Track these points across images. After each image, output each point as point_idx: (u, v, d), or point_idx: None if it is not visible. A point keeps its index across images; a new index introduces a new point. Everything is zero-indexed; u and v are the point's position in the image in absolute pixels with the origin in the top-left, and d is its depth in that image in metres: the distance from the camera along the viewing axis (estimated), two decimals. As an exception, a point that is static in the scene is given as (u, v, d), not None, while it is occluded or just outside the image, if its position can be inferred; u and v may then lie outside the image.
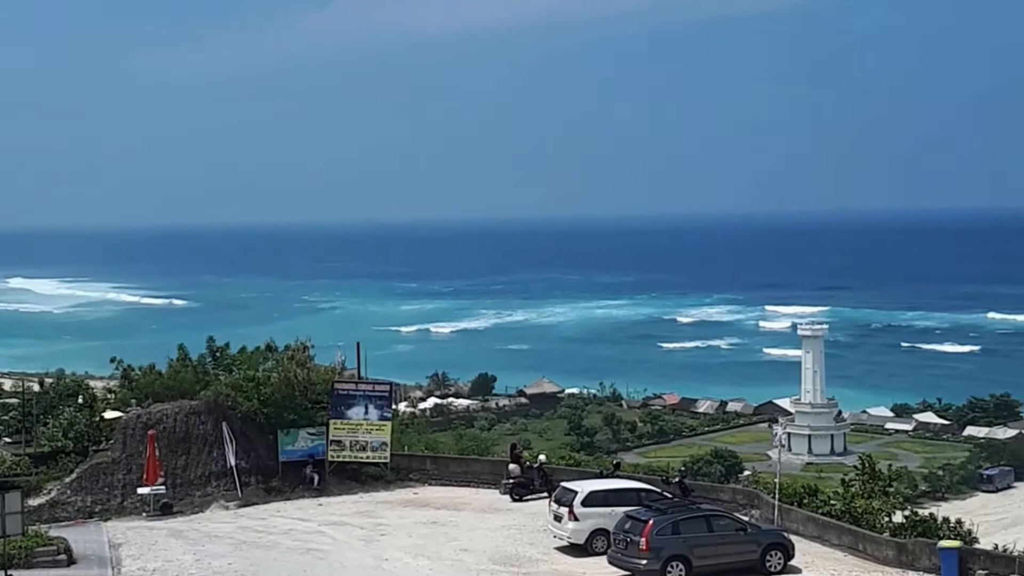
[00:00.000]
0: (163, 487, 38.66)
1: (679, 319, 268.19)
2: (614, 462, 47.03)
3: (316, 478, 41.73)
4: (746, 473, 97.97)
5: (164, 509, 38.49)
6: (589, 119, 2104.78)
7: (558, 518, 32.87)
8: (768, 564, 29.92)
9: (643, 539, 28.98)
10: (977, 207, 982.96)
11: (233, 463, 40.41)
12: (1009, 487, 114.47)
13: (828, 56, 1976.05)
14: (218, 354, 45.09)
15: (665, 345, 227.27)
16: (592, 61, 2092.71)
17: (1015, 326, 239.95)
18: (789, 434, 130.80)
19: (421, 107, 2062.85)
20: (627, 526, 29.80)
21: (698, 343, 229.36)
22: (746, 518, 34.75)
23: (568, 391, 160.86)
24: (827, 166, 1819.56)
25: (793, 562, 30.84)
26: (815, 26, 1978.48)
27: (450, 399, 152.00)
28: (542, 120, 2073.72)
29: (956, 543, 30.73)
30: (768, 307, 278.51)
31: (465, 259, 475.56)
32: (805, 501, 36.46)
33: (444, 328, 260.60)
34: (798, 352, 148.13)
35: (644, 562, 29.00)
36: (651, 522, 29.28)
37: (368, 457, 42.80)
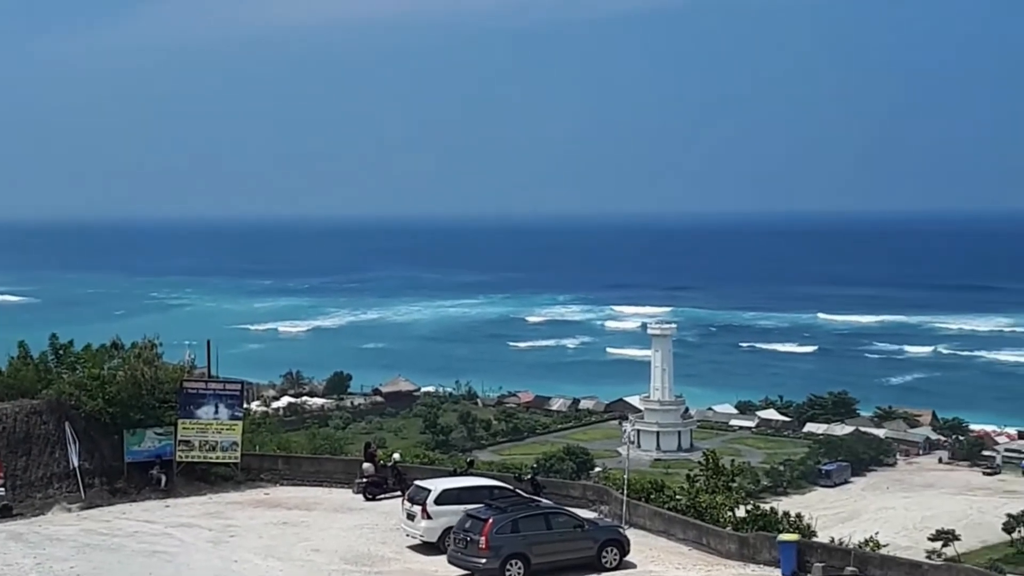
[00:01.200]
0: (2, 489, 37.29)
1: (532, 318, 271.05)
2: (467, 460, 47.32)
3: (163, 479, 40.82)
4: (597, 469, 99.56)
5: (3, 512, 37.11)
6: (449, 117, 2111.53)
7: (411, 516, 32.93)
8: (604, 560, 30.49)
9: (483, 538, 29.16)
10: (827, 210, 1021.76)
11: (76, 464, 39.22)
12: (846, 482, 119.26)
13: (693, 56, 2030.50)
14: (61, 352, 43.55)
15: (519, 344, 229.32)
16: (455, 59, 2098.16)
17: (849, 326, 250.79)
18: (639, 431, 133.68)
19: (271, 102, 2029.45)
20: (467, 525, 29.94)
21: (550, 342, 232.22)
22: (594, 514, 35.44)
23: (424, 389, 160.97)
24: (683, 168, 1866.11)
25: (640, 556, 31.59)
26: (663, 29, 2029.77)
27: (304, 398, 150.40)
28: (387, 117, 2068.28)
29: (795, 536, 31.86)
30: (617, 307, 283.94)
31: (320, 256, 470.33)
32: (652, 496, 37.34)
33: (298, 326, 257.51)
34: (647, 351, 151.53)
35: (483, 561, 29.19)
36: (491, 521, 29.48)
37: (218, 457, 42.08)
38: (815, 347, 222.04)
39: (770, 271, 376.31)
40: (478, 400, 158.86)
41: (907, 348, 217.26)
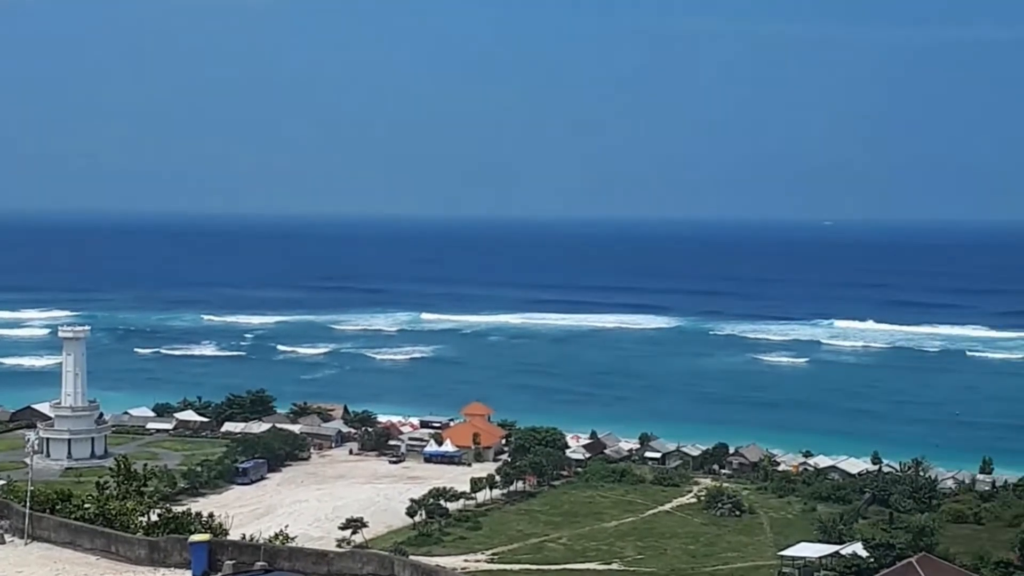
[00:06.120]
0: None
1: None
2: None
3: None
4: (1, 483, 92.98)
5: None
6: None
7: None
8: None
9: None
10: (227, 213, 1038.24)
11: None
12: (263, 478, 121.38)
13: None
14: None
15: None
16: None
17: (256, 327, 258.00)
18: (47, 439, 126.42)
19: None
20: None
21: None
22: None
23: None
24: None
25: (44, 571, 30.30)
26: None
27: None
28: None
29: (206, 536, 32.26)
30: (18, 311, 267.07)
31: None
32: (59, 507, 35.94)
33: None
34: (55, 358, 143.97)
35: None
36: None
37: None
38: (232, 348, 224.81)
39: (158, 273, 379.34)
40: None
41: (316, 347, 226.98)
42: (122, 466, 38.72)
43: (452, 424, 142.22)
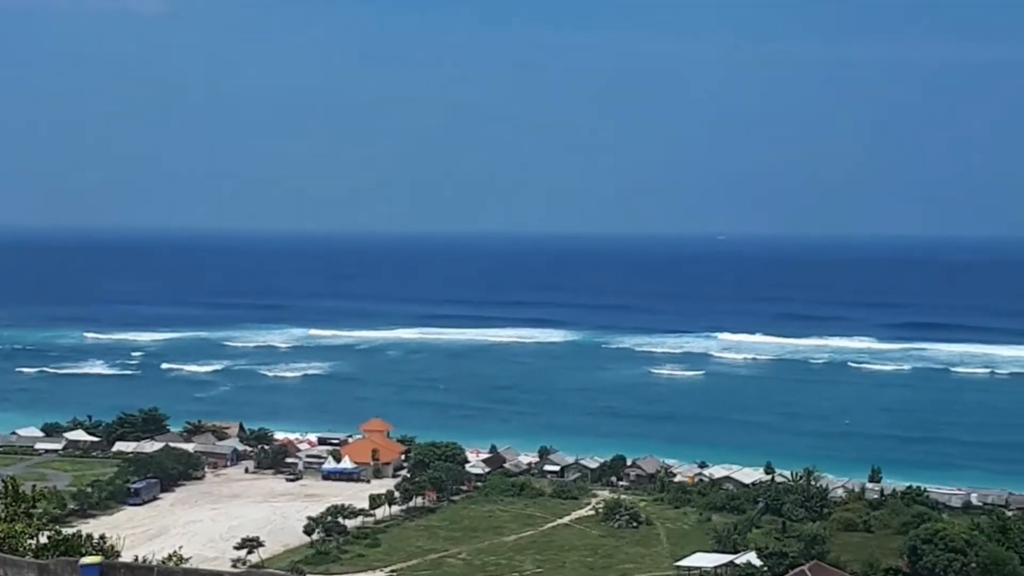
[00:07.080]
0: None
1: None
2: None
3: None
4: None
5: None
6: None
7: None
8: None
9: None
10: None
11: None
12: (155, 499, 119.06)
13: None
14: None
15: None
16: None
17: (156, 346, 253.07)
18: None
19: None
20: None
21: None
22: None
23: None
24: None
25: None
26: None
27: None
28: None
29: (97, 558, 31.49)
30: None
31: None
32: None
33: None
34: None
35: None
36: None
37: None
38: (121, 366, 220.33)
39: (39, 290, 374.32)
40: None
41: (209, 364, 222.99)
42: (10, 487, 37.59)
43: (350, 440, 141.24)
